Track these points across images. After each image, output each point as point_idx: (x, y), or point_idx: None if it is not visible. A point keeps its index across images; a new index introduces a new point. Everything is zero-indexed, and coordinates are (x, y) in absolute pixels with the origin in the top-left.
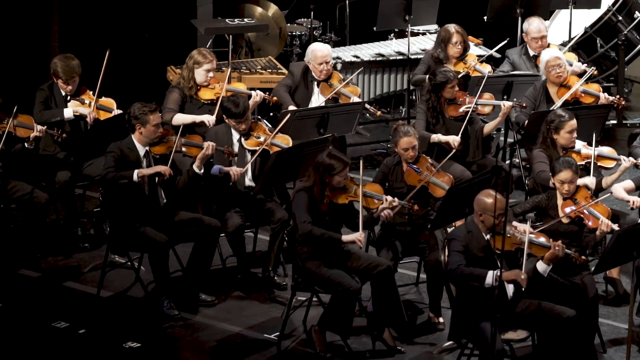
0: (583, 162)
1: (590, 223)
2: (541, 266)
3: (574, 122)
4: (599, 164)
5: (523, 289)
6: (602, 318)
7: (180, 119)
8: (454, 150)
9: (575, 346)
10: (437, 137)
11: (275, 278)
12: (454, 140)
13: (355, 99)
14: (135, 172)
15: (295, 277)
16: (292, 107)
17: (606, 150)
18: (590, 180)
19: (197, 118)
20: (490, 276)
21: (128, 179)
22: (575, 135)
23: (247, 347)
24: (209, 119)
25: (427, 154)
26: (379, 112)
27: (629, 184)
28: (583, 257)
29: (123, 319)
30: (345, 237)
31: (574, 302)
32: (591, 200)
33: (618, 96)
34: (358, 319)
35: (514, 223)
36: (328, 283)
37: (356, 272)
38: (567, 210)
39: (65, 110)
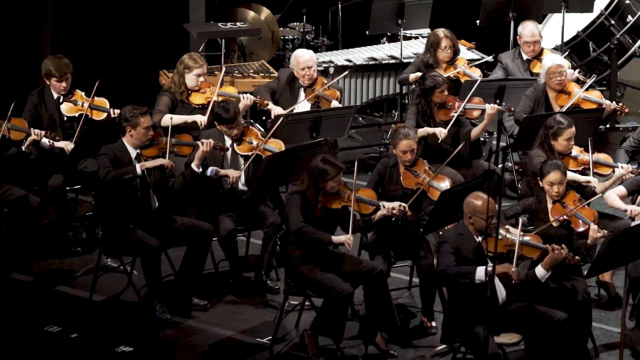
0: (580, 168)
1: (578, 227)
2: (540, 272)
3: (572, 129)
4: (595, 170)
5: (513, 282)
6: (594, 322)
7: (169, 119)
8: (440, 140)
9: (568, 350)
10: (423, 131)
11: (268, 282)
12: (441, 131)
13: (335, 103)
14: (137, 165)
15: (287, 281)
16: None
17: (602, 157)
18: (593, 179)
19: (189, 118)
20: (481, 271)
21: (131, 174)
22: (572, 142)
23: (239, 351)
24: (201, 119)
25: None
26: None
27: (621, 190)
28: (577, 257)
29: (115, 323)
30: (335, 238)
31: (566, 305)
32: (579, 204)
33: (621, 104)
34: (351, 323)
35: (506, 225)
36: (320, 287)
37: (349, 276)
38: (555, 215)
39: (137, 166)
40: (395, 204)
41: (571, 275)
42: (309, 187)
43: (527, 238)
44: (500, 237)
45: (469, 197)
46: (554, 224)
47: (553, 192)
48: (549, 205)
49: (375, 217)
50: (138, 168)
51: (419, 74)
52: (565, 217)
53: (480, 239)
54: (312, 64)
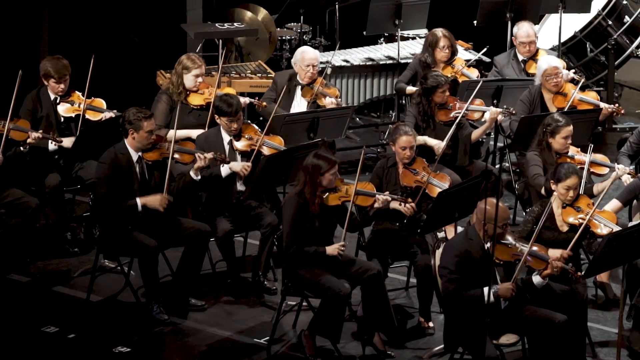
0: None
1: (599, 231)
2: (537, 279)
3: (570, 127)
4: (591, 170)
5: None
6: (591, 322)
7: (173, 133)
8: (438, 157)
9: (566, 351)
10: (423, 139)
11: (265, 283)
12: (439, 146)
13: (330, 99)
14: (139, 202)
15: (285, 282)
16: None
17: (599, 157)
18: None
19: (192, 134)
20: (487, 294)
21: (134, 212)
22: (570, 141)
23: (237, 352)
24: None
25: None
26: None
27: (616, 202)
28: (579, 273)
29: (113, 324)
30: (329, 250)
31: (565, 307)
32: (593, 207)
33: (617, 105)
34: (348, 323)
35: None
36: (318, 287)
37: (346, 276)
38: (571, 219)
39: (138, 202)
40: (388, 195)
41: (572, 281)
42: (306, 183)
43: (535, 249)
44: (509, 246)
45: (483, 203)
46: (564, 229)
47: (568, 197)
48: (557, 210)
49: (370, 211)
50: (139, 204)
51: (415, 88)
52: (585, 221)
53: (488, 245)
54: (316, 62)
